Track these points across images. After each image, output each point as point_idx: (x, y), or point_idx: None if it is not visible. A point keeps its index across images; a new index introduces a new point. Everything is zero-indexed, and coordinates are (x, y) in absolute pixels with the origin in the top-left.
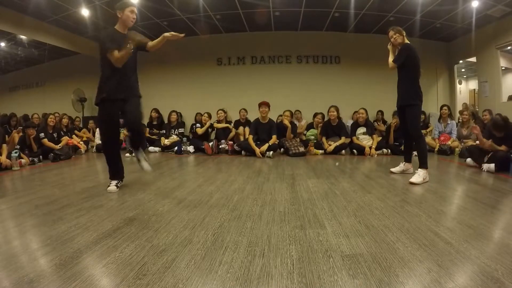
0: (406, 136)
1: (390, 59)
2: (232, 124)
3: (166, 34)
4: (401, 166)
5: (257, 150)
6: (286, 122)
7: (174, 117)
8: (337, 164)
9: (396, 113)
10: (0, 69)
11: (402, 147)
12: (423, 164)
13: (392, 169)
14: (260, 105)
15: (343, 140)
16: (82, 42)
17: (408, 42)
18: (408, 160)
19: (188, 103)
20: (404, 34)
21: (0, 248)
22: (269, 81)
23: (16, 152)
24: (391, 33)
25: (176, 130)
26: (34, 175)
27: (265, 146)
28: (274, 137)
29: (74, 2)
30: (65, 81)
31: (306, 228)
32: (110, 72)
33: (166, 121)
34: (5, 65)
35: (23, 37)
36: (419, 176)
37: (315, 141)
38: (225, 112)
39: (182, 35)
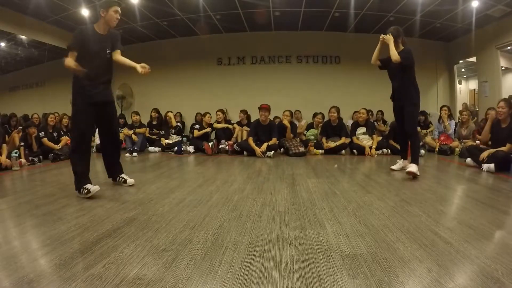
0: (402, 134)
1: (393, 53)
2: (233, 122)
3: (139, 69)
4: (400, 163)
5: (257, 150)
6: (286, 122)
7: (170, 116)
8: (335, 166)
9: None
10: (0, 69)
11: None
12: (415, 160)
13: (392, 167)
14: (260, 109)
15: (343, 140)
16: None
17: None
18: (405, 157)
19: (188, 103)
20: (398, 40)
21: (0, 248)
22: (269, 81)
23: (16, 152)
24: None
25: (173, 129)
26: (34, 175)
27: (265, 145)
28: (274, 139)
29: (74, 2)
30: (65, 81)
31: (306, 228)
32: (95, 72)
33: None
34: (5, 65)
35: (23, 37)
36: (414, 166)
37: (315, 141)
38: (223, 113)
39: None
